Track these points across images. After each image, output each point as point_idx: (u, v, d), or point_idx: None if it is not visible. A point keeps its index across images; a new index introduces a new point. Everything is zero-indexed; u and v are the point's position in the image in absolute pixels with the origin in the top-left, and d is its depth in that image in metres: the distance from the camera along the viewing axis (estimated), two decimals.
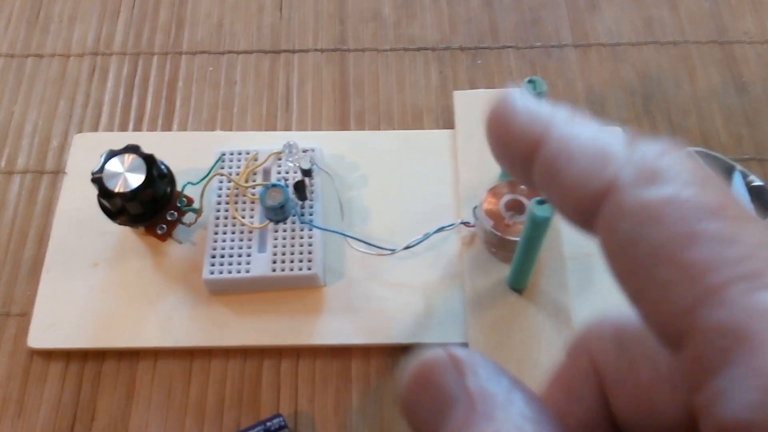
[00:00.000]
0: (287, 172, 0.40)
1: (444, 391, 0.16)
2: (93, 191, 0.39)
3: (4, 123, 0.45)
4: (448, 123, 0.45)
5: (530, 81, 0.35)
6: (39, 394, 0.37)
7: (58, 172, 0.43)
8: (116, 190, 0.36)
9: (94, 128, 0.45)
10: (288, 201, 0.37)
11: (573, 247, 0.40)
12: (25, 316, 0.39)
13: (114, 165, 0.37)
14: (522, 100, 0.17)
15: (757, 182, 0.41)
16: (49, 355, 0.38)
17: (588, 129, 0.16)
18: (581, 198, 0.15)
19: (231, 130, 0.45)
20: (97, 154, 0.38)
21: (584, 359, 0.17)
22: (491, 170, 0.41)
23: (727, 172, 0.42)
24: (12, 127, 0.45)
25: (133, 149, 0.38)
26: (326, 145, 0.43)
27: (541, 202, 0.32)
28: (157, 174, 0.37)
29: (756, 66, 0.47)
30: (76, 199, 0.42)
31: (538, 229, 0.33)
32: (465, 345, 0.37)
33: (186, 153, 0.42)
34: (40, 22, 0.49)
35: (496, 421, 0.15)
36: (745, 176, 0.41)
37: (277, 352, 0.38)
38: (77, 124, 0.45)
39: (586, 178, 0.15)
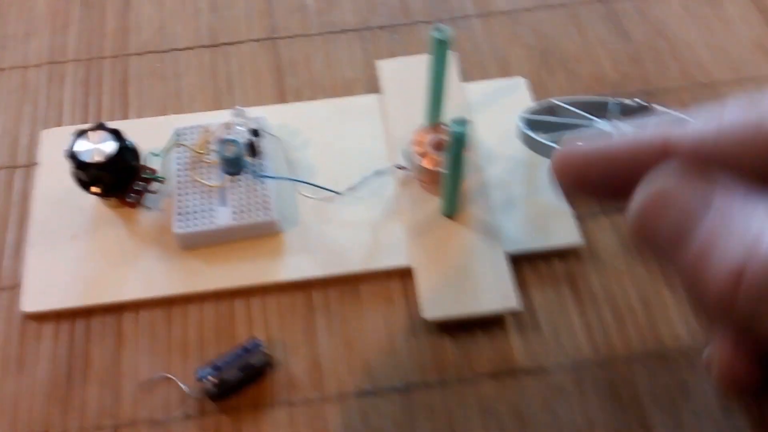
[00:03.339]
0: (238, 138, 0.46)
1: (694, 189, 0.18)
2: (66, 175, 0.44)
3: None
4: (375, 90, 0.51)
5: (437, 29, 0.41)
6: (36, 353, 0.42)
7: (30, 165, 0.48)
8: (90, 161, 0.41)
9: (58, 125, 0.50)
10: (242, 154, 0.43)
11: (493, 176, 0.46)
12: (14, 289, 0.43)
13: (84, 142, 0.42)
14: (593, 141, 0.20)
15: (631, 101, 0.48)
16: (40, 317, 0.43)
17: (697, 117, 0.19)
18: (753, 158, 0.18)
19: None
20: (65, 144, 0.43)
21: None
22: (416, 122, 0.47)
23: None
24: None
25: (100, 126, 0.43)
26: (269, 116, 0.48)
27: (457, 122, 0.38)
28: (125, 145, 0.43)
29: (635, 16, 0.55)
30: (51, 184, 0.46)
31: (458, 145, 0.39)
32: (409, 269, 0.43)
33: (145, 136, 0.46)
34: None
35: (761, 199, 0.17)
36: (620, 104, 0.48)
37: (246, 293, 0.43)
38: (42, 123, 0.50)
39: (750, 144, 0.18)
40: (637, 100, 0.47)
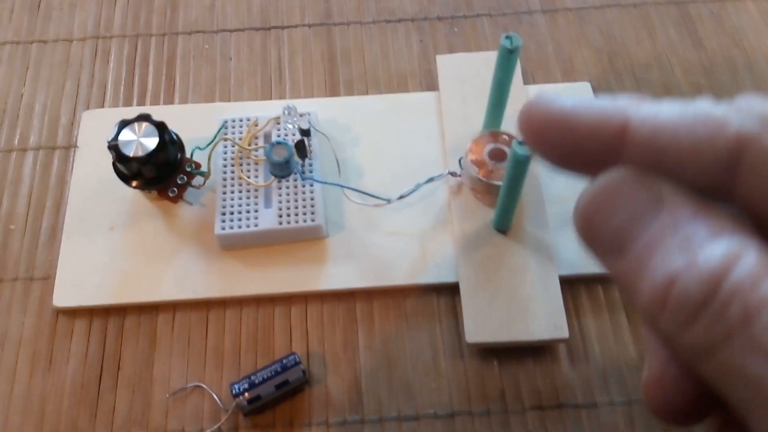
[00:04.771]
0: (286, 135, 0.44)
1: (642, 198, 0.17)
2: (105, 162, 0.42)
3: (15, 104, 0.48)
4: (430, 86, 0.48)
5: (507, 37, 0.38)
6: (66, 350, 0.40)
7: (69, 147, 0.46)
8: (132, 155, 0.39)
9: (100, 105, 0.48)
10: (292, 157, 0.40)
11: (551, 191, 0.43)
12: (48, 280, 0.42)
13: (128, 133, 0.40)
14: (564, 99, 0.19)
15: None
16: (73, 313, 0.41)
17: (662, 105, 0.18)
18: (708, 162, 0.17)
19: (229, 101, 0.48)
20: (105, 128, 0.41)
21: None
22: (473, 125, 0.44)
23: None
24: (22, 108, 0.48)
25: (144, 118, 0.41)
26: (319, 110, 0.46)
27: (521, 143, 0.36)
28: (169, 139, 0.41)
29: (710, 22, 0.51)
30: (89, 169, 0.45)
31: (520, 167, 0.36)
32: (457, 284, 0.40)
33: (189, 124, 0.45)
34: (41, 11, 0.52)
35: (709, 217, 0.17)
36: None
37: (286, 300, 0.41)
38: (84, 102, 0.48)
39: (707, 144, 0.17)
40: None
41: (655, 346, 0.20)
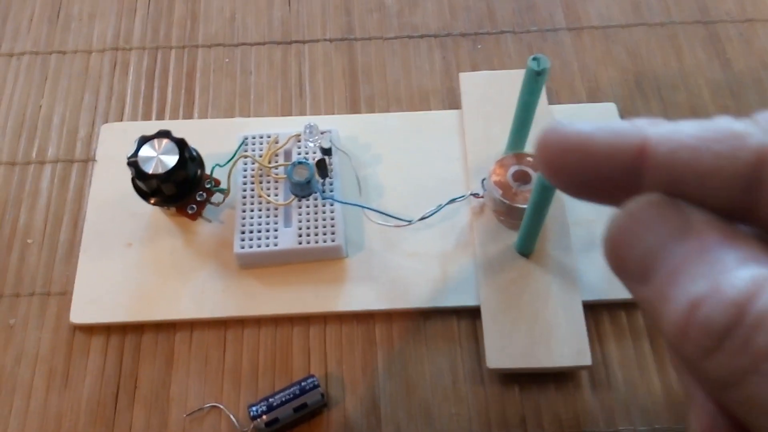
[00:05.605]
0: (307, 153, 0.43)
1: (669, 224, 0.17)
2: (123, 176, 0.41)
3: (33, 116, 0.47)
4: (453, 104, 0.48)
5: (534, 58, 0.38)
6: (83, 367, 0.40)
7: (88, 160, 0.46)
8: (152, 172, 0.39)
9: (119, 118, 0.47)
10: (313, 177, 0.40)
11: (576, 213, 0.43)
12: (65, 295, 0.42)
13: (148, 149, 0.40)
14: (581, 123, 0.19)
15: None
16: (90, 329, 0.41)
17: (681, 124, 0.17)
18: (729, 178, 0.16)
19: (249, 116, 0.48)
20: (124, 142, 0.41)
21: None
22: (497, 145, 0.44)
23: None
24: (41, 120, 0.47)
25: (165, 134, 0.40)
26: (340, 127, 0.45)
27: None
28: (189, 156, 0.40)
29: (738, 43, 0.50)
30: (108, 184, 0.44)
31: (546, 193, 0.36)
32: (478, 308, 0.40)
33: (208, 139, 0.44)
34: (60, 21, 0.52)
35: (737, 243, 0.16)
36: None
37: (305, 320, 0.41)
38: (102, 115, 0.47)
39: (728, 160, 0.16)
40: None
41: (700, 398, 0.19)
